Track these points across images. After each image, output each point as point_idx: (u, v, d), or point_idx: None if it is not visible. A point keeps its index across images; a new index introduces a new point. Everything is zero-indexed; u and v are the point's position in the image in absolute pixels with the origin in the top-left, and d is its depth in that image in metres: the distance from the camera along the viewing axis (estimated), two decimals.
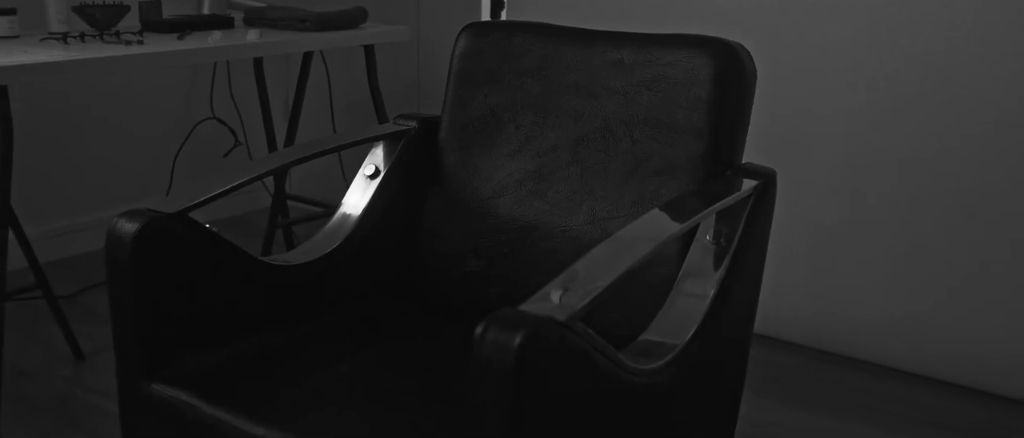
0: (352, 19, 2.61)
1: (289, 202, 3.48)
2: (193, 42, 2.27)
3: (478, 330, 0.97)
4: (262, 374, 1.31)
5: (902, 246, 2.26)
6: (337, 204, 1.61)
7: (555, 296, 1.01)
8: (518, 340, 0.94)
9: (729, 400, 1.39)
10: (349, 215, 1.56)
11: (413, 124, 1.63)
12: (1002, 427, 2.09)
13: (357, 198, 1.59)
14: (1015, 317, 2.15)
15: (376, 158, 1.62)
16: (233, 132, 3.14)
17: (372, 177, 1.60)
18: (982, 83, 2.10)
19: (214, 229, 1.32)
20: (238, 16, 2.78)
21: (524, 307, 0.99)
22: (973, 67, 2.10)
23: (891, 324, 2.31)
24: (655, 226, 1.15)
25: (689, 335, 1.23)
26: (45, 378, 2.22)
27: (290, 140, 2.89)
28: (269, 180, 3.48)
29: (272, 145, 2.96)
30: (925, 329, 2.27)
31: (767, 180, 1.35)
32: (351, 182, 1.62)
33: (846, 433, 2.05)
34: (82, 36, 2.27)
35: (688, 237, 1.36)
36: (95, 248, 3.06)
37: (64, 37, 2.25)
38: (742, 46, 1.42)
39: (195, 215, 1.34)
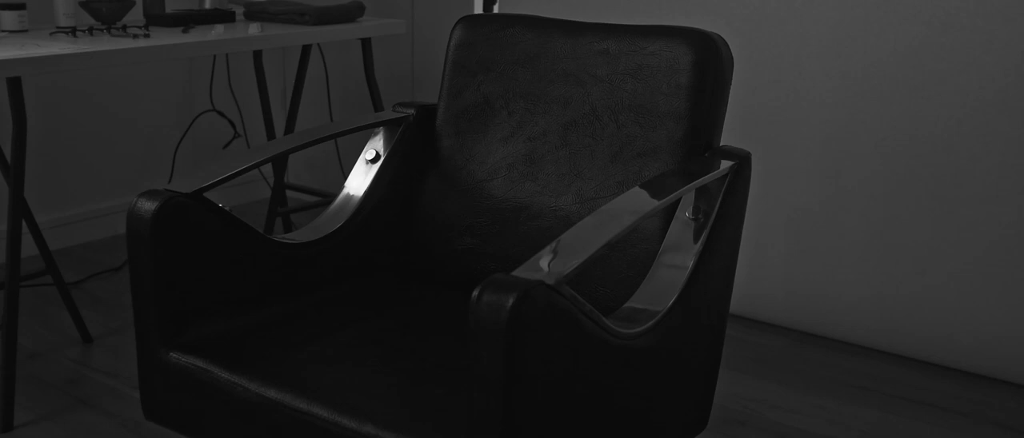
0: (350, 13, 2.70)
1: (287, 191, 3.56)
2: (197, 35, 2.36)
3: (474, 293, 1.06)
4: (272, 343, 1.40)
5: (880, 230, 2.35)
6: (335, 193, 1.70)
7: (544, 263, 1.10)
8: (511, 301, 1.04)
9: (708, 367, 1.49)
10: (352, 197, 1.66)
11: (411, 111, 1.72)
12: (978, 403, 2.18)
13: (359, 181, 1.68)
14: (990, 297, 2.25)
15: (376, 144, 1.71)
16: (232, 124, 3.22)
17: (372, 161, 1.69)
18: (958, 73, 2.19)
19: (227, 208, 1.41)
20: (239, 11, 2.87)
21: (516, 272, 1.08)
22: (949, 57, 2.19)
23: (871, 306, 2.40)
24: (637, 201, 1.25)
25: (670, 302, 1.32)
26: (56, 360, 2.31)
27: (289, 131, 2.97)
28: (268, 171, 3.57)
29: (271, 136, 3.04)
30: (903, 310, 2.36)
31: (742, 161, 1.44)
32: (348, 172, 1.70)
33: (828, 408, 2.14)
34: (90, 30, 2.35)
35: (669, 214, 1.45)
36: (98, 237, 3.15)
37: (73, 31, 2.33)
38: (720, 36, 1.52)
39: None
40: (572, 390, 1.15)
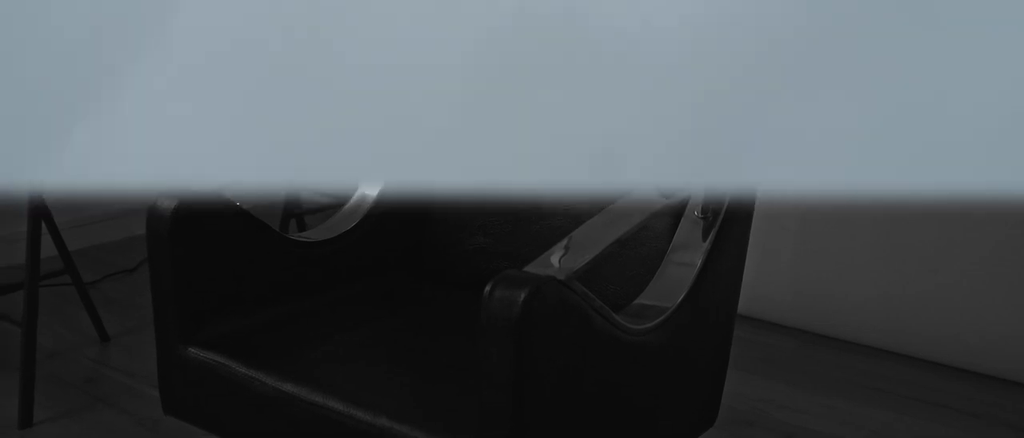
0: None
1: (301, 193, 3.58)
2: None
3: (487, 289, 1.08)
4: (287, 340, 1.43)
5: (888, 229, 2.36)
6: (349, 195, 1.73)
7: (555, 259, 1.13)
8: (523, 296, 1.06)
9: (716, 365, 1.51)
10: (366, 196, 1.69)
11: None
12: (991, 405, 2.18)
13: (372, 181, 1.71)
14: (1002, 297, 2.25)
15: None
16: None
17: None
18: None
19: (244, 207, 1.44)
20: None
21: (528, 268, 1.11)
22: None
23: (881, 306, 2.40)
24: (645, 199, 1.27)
25: (679, 299, 1.34)
26: (74, 359, 2.34)
27: None
28: None
29: None
30: (914, 310, 2.36)
31: None
32: None
33: (839, 409, 2.15)
34: None
35: (678, 213, 1.47)
36: (112, 239, 3.18)
37: None
38: None
39: None
40: (581, 386, 1.17)
